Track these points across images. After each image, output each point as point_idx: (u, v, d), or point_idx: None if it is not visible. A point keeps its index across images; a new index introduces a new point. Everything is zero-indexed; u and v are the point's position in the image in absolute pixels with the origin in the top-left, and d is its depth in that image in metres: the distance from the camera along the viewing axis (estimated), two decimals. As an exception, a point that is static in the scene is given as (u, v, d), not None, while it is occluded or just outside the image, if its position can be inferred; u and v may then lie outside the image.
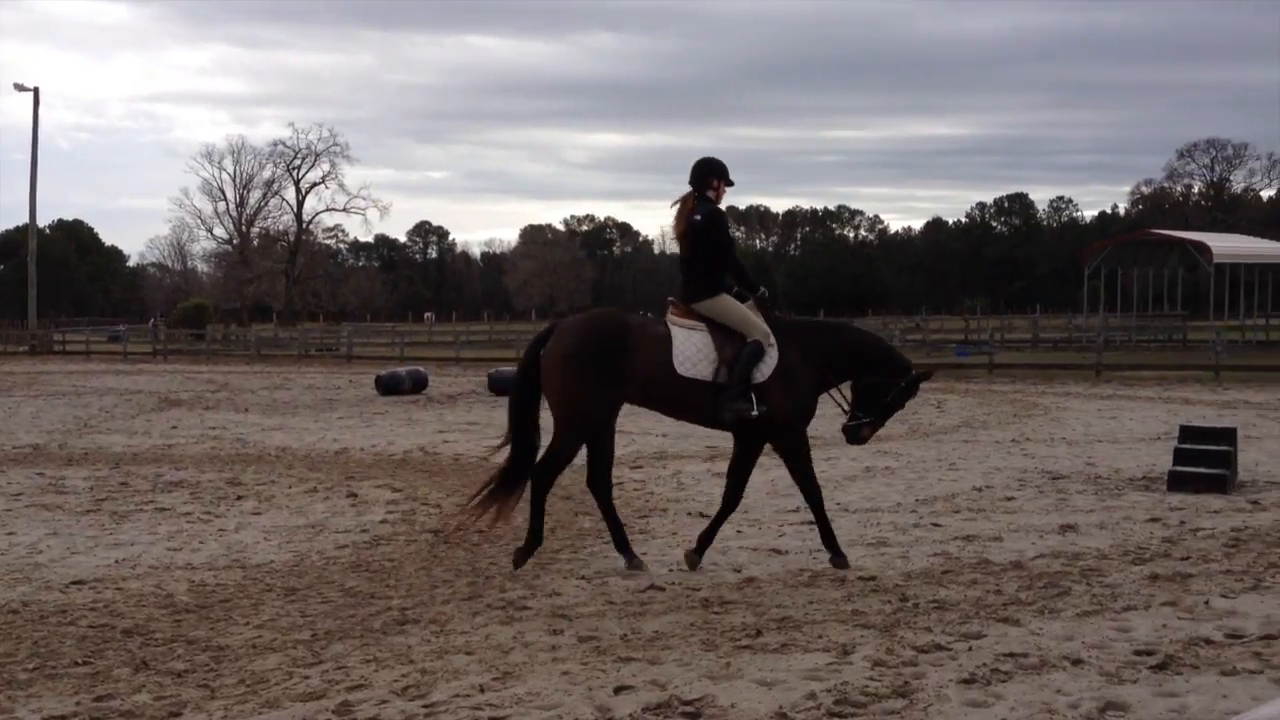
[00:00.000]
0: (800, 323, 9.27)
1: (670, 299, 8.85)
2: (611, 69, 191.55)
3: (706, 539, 8.90)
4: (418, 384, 27.44)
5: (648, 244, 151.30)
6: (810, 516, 9.00)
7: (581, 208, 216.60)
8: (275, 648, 6.84)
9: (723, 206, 8.96)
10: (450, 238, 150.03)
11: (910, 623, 7.09)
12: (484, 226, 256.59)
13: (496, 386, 26.55)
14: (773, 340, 8.52)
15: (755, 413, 8.38)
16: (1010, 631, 6.88)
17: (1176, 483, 12.05)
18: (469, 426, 19.73)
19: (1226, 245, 51.65)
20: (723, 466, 14.20)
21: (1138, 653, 6.41)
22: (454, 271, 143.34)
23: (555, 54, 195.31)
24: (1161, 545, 9.35)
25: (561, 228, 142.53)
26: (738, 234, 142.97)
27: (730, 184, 8.85)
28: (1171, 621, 7.06)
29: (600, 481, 8.74)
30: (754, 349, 8.40)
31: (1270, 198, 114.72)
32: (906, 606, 7.50)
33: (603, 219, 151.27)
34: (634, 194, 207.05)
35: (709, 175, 8.79)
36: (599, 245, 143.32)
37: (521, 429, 8.62)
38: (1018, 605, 7.49)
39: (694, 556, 8.79)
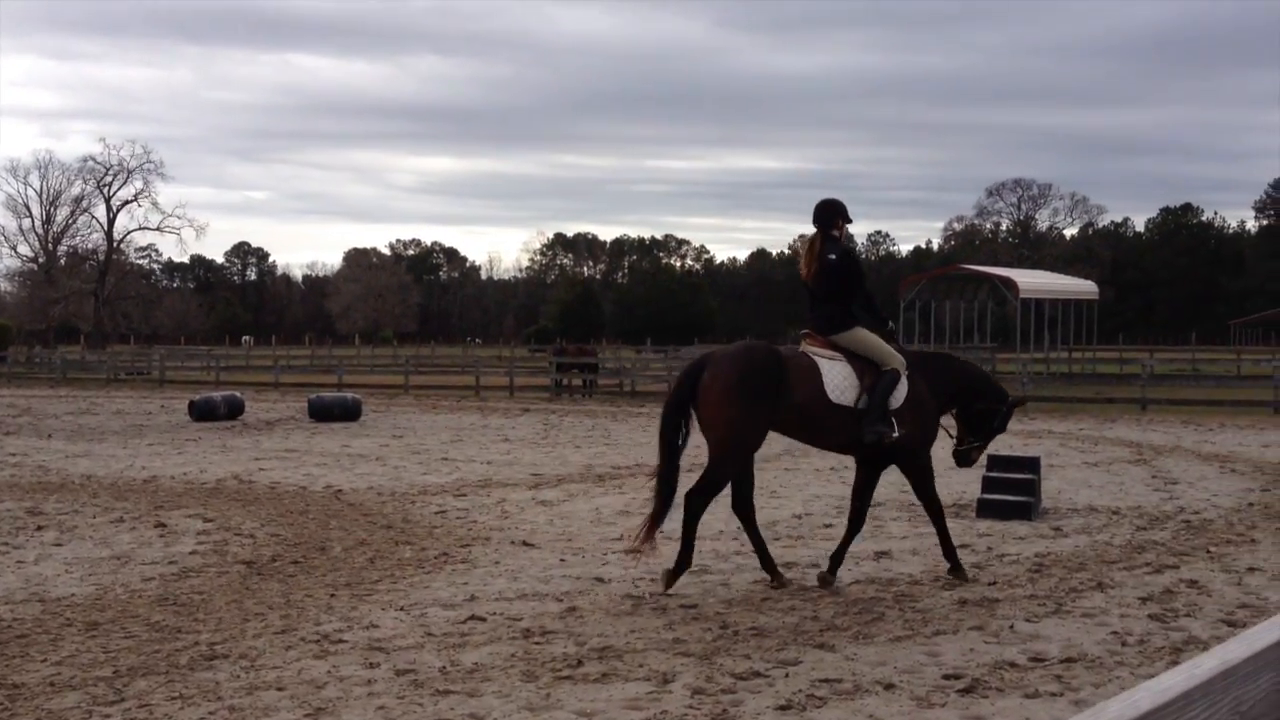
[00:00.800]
0: (918, 354, 9.90)
1: (805, 331, 9.36)
2: (439, 93, 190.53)
3: (838, 559, 9.24)
4: (233, 409, 26.62)
5: (475, 269, 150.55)
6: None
7: (408, 231, 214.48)
8: (75, 685, 6.52)
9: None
10: (270, 259, 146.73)
11: (730, 650, 7.16)
12: (306, 249, 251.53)
13: (317, 412, 25.98)
14: (906, 370, 9.08)
15: (896, 434, 8.90)
16: (826, 657, 7.01)
17: (984, 510, 12.48)
18: (287, 454, 19.23)
19: (1032, 281, 54.07)
20: (547, 495, 14.19)
21: (946, 676, 6.60)
22: (274, 294, 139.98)
23: (381, 76, 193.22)
24: (970, 571, 9.66)
25: (387, 251, 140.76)
26: (566, 261, 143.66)
27: (850, 221, 9.41)
28: (979, 645, 7.30)
29: (745, 505, 9.12)
30: (893, 377, 8.96)
31: (1073, 236, 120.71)
32: (726, 634, 7.57)
33: (430, 243, 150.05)
34: (462, 219, 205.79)
35: (834, 216, 9.33)
36: (426, 270, 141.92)
37: (671, 453, 8.93)
38: (834, 631, 7.64)
39: (828, 576, 9.09)
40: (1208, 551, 10.46)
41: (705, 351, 9.79)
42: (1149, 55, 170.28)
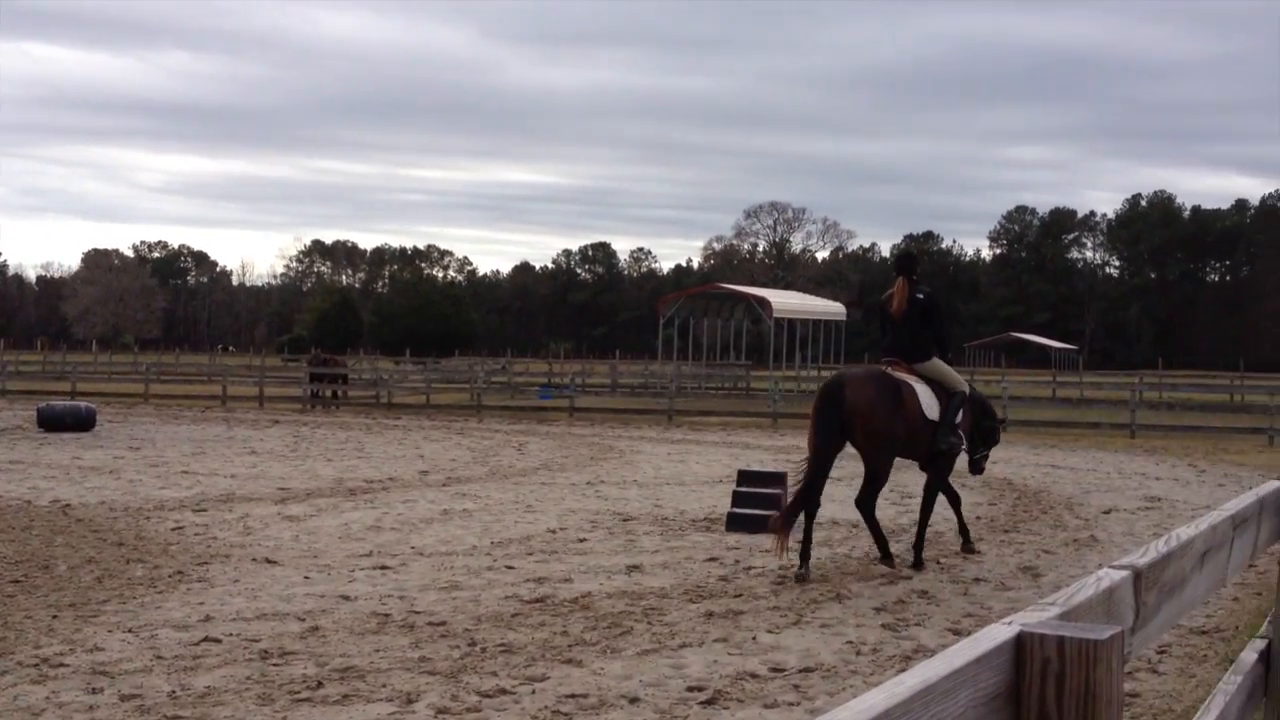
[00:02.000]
0: None
1: (889, 359, 10.89)
2: (187, 89, 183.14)
3: (964, 531, 11.51)
4: (-46, 418, 24.82)
5: (226, 274, 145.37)
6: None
7: (153, 233, 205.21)
8: None
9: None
10: (1, 259, 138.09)
11: (477, 667, 7.07)
12: (41, 248, 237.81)
13: (46, 421, 24.49)
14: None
15: (964, 445, 10.90)
16: (573, 673, 7.00)
17: (733, 523, 12.76)
18: (11, 465, 18.02)
19: (785, 301, 55.84)
20: (294, 509, 13.76)
21: (690, 689, 6.69)
22: (4, 295, 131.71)
23: (124, 69, 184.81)
24: (718, 584, 9.86)
25: (130, 253, 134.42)
26: (324, 269, 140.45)
27: (919, 268, 11.30)
28: (722, 657, 7.43)
29: (815, 503, 10.50)
30: (961, 399, 10.86)
31: (824, 259, 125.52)
32: (474, 651, 7.48)
33: (177, 246, 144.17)
34: (213, 221, 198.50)
35: (913, 264, 11.21)
36: (172, 274, 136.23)
37: (823, 466, 10.39)
38: (582, 646, 7.64)
39: (971, 547, 11.35)
40: (938, 563, 10.97)
41: (836, 374, 11.62)
42: (897, 90, 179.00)
